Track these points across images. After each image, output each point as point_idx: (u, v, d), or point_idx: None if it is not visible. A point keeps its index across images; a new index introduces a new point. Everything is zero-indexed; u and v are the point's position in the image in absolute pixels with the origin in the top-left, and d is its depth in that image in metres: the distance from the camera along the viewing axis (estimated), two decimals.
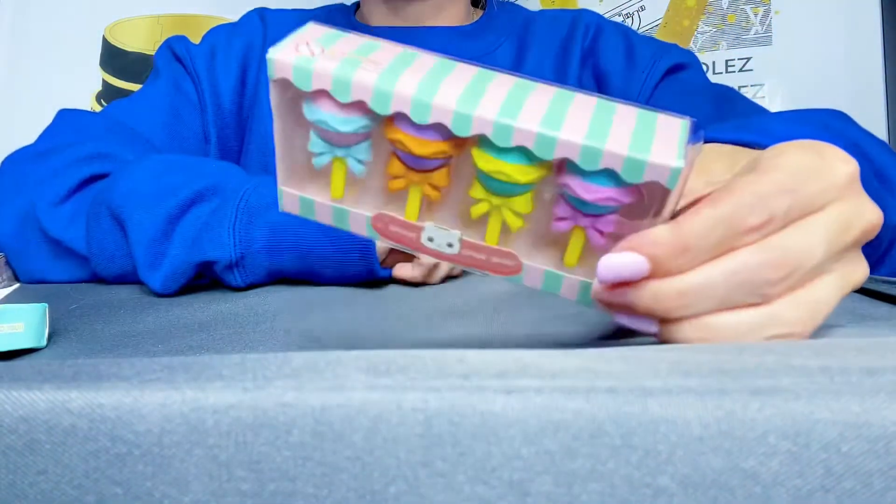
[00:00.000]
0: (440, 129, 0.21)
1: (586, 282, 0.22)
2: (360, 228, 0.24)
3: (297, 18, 0.72)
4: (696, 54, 1.35)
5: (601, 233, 0.22)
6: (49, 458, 0.17)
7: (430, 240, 0.23)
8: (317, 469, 0.17)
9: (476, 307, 0.39)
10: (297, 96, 0.23)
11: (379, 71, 0.21)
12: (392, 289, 0.46)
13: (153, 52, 1.39)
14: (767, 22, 1.35)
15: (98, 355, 0.30)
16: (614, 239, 0.21)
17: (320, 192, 0.24)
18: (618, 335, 0.29)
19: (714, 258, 0.20)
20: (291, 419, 0.17)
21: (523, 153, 0.20)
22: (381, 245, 0.44)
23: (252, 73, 0.68)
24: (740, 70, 1.37)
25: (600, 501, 0.16)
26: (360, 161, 0.23)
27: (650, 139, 0.20)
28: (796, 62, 1.32)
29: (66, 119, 0.61)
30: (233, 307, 0.41)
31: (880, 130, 1.25)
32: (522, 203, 0.22)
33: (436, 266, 0.46)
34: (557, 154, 0.20)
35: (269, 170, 0.65)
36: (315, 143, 0.23)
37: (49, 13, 1.33)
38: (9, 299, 0.32)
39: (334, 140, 0.23)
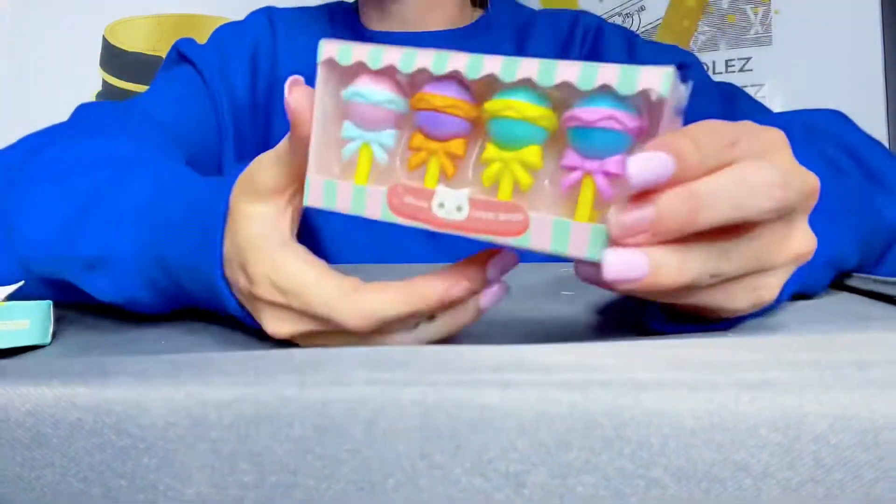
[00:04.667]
0: (457, 85, 0.26)
1: (598, 227, 0.24)
2: (376, 208, 0.27)
3: (304, 16, 0.72)
4: (696, 54, 1.35)
5: (610, 178, 0.23)
6: (56, 451, 0.18)
7: (441, 206, 0.26)
8: (317, 462, 0.17)
9: None
10: (338, 84, 0.28)
11: (402, 51, 0.27)
12: None
13: (153, 52, 1.39)
14: (767, 22, 1.35)
15: (102, 351, 0.30)
16: (622, 191, 0.23)
17: (344, 181, 0.28)
18: (610, 327, 0.30)
19: (716, 170, 0.22)
20: (293, 413, 0.17)
21: (529, 91, 0.24)
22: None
23: (264, 71, 0.68)
24: (740, 70, 1.37)
25: (594, 493, 0.16)
26: (384, 148, 0.27)
27: (639, 69, 0.23)
28: (796, 62, 1.32)
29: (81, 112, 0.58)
30: None
31: (880, 130, 1.25)
32: (532, 154, 0.24)
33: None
34: (559, 77, 0.23)
35: None
36: (347, 129, 0.27)
37: (49, 13, 1.34)
38: (14, 296, 0.32)
39: (365, 121, 0.27)
